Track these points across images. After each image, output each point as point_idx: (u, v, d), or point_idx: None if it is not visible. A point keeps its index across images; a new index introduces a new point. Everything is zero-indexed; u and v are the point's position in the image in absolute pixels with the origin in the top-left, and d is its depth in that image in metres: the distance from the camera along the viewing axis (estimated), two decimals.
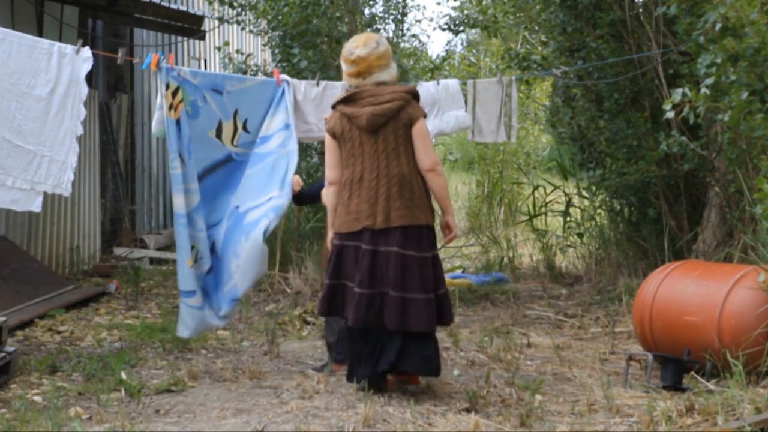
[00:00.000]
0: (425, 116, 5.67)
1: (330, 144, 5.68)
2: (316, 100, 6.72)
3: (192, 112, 6.27)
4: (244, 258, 6.25)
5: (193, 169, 6.24)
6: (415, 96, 5.67)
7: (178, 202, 6.17)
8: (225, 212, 6.40)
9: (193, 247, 6.19)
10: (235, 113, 6.41)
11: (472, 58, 18.01)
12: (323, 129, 6.35)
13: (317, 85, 6.71)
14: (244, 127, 6.43)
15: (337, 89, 6.78)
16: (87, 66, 6.09)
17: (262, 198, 6.33)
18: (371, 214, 5.50)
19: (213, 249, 6.35)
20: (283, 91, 6.59)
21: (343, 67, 5.70)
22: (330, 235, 5.76)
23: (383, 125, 5.54)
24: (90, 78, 6.19)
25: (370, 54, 5.61)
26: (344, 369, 5.83)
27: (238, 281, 6.30)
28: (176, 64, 6.31)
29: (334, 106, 5.72)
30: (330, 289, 5.60)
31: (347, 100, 5.64)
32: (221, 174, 6.42)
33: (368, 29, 10.12)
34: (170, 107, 6.16)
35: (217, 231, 6.39)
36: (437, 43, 51.91)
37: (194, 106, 6.27)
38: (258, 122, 6.47)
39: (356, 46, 5.65)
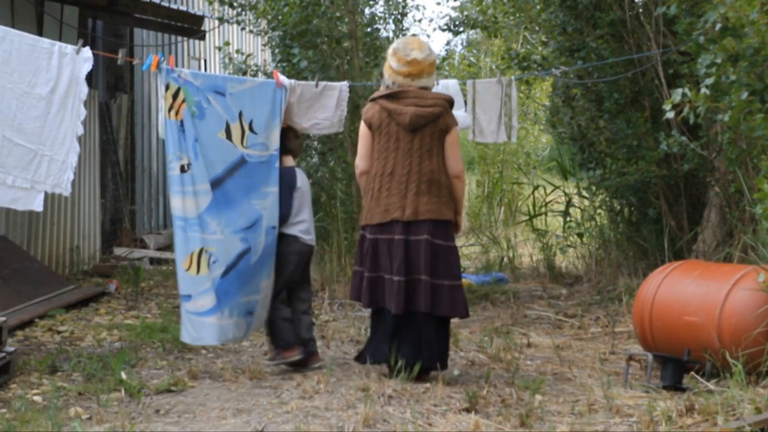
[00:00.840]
0: (457, 125, 6.02)
1: (365, 134, 5.96)
2: (310, 101, 6.69)
3: (198, 112, 6.22)
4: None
5: (203, 170, 6.17)
6: (452, 105, 6.02)
7: (176, 204, 6.14)
8: (254, 218, 6.30)
9: (204, 251, 6.10)
10: (240, 114, 6.36)
11: (471, 58, 18.02)
12: (305, 131, 6.76)
13: (317, 86, 6.67)
14: (251, 128, 6.39)
15: (335, 90, 6.77)
16: (87, 66, 6.09)
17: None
18: (400, 207, 5.84)
19: (245, 253, 6.25)
20: (281, 98, 6.51)
21: (394, 64, 5.93)
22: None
23: (422, 126, 5.86)
24: (90, 78, 6.18)
25: (425, 59, 5.93)
26: (290, 355, 6.23)
27: (261, 302, 6.31)
28: (176, 64, 6.30)
29: (374, 99, 5.98)
30: (370, 281, 5.86)
31: (390, 96, 5.91)
32: (241, 176, 6.32)
33: (368, 29, 10.12)
34: (170, 108, 6.14)
35: (253, 236, 6.28)
36: (437, 43, 51.88)
37: (199, 107, 6.23)
38: (263, 123, 6.40)
39: (413, 49, 5.92)
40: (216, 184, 6.25)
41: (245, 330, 6.34)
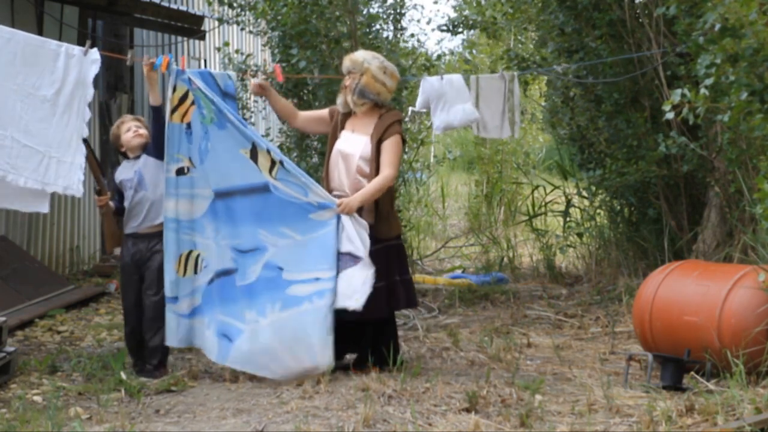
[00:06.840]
0: None
1: (401, 149, 6.15)
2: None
3: (217, 119, 6.00)
4: (268, 326, 5.89)
5: (206, 176, 6.01)
6: None
7: (169, 206, 6.03)
8: (254, 245, 5.96)
9: (194, 254, 6.05)
10: (268, 150, 6.03)
11: (467, 56, 17.96)
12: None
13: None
14: (282, 164, 5.99)
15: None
16: (95, 68, 5.96)
17: (311, 274, 5.89)
18: None
19: (231, 272, 6.03)
20: None
21: (389, 83, 6.11)
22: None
23: None
24: None
25: None
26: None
27: (246, 337, 5.90)
28: (177, 65, 6.15)
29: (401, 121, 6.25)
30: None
31: None
32: (255, 201, 5.97)
33: (367, 29, 10.11)
34: (173, 110, 6.05)
35: (244, 261, 5.98)
36: (432, 41, 51.82)
37: (219, 114, 6.01)
38: (292, 164, 6.05)
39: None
40: (223, 195, 6.02)
41: (217, 352, 6.00)
